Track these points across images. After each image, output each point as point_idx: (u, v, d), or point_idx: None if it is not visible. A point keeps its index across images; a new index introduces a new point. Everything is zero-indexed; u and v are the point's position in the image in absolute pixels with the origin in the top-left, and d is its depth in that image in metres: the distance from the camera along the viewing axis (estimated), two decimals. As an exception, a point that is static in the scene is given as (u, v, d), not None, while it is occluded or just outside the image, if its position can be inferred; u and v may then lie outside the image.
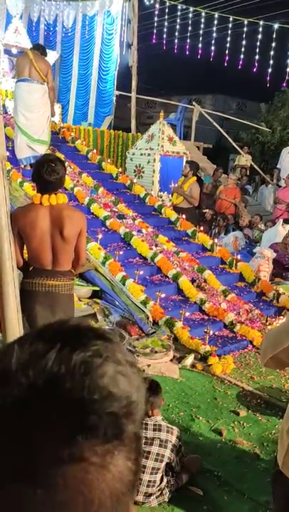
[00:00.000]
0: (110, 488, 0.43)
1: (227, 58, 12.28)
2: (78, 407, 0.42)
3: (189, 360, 4.61)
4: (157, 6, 11.66)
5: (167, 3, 11.67)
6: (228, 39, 11.99)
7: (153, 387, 2.81)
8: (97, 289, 5.55)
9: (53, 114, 7.05)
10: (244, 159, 14.33)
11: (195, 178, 8.01)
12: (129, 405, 0.45)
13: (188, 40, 12.41)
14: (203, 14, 11.82)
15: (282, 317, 5.89)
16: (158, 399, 2.85)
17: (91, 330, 0.49)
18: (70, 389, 0.43)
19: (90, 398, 0.43)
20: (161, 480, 2.75)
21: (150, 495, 2.71)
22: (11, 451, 0.42)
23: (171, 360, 4.55)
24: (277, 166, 12.31)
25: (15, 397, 0.43)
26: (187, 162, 8.17)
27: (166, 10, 11.93)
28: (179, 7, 11.80)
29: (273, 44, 11.45)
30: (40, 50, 6.81)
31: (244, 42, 11.81)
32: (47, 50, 10.18)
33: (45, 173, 2.99)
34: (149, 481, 2.69)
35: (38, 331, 0.49)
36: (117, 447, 0.44)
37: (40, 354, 0.45)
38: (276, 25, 11.20)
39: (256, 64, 11.90)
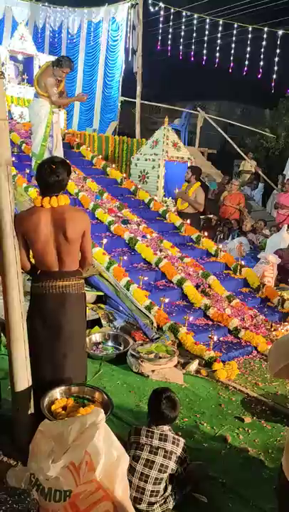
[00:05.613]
0: None
1: (231, 64, 12.32)
2: None
3: (193, 365, 4.60)
4: (162, 12, 11.73)
5: (172, 10, 11.73)
6: (233, 45, 12.05)
7: (174, 403, 2.78)
8: (101, 294, 5.55)
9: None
10: (249, 165, 14.34)
11: (199, 183, 8.00)
12: None
13: (192, 47, 12.46)
14: (207, 21, 11.88)
15: (286, 323, 5.86)
16: (177, 414, 2.82)
17: None
18: None
19: None
20: (165, 489, 2.73)
21: (154, 503, 2.69)
22: None
23: (175, 366, 4.53)
24: (283, 172, 12.30)
25: None
26: (189, 168, 8.17)
27: (171, 16, 12.02)
28: (184, 14, 11.86)
29: (278, 50, 11.49)
30: (54, 62, 6.46)
31: (248, 48, 11.87)
32: (50, 56, 10.30)
33: (44, 174, 3.00)
34: (152, 491, 2.67)
35: None
36: None
37: None
38: (280, 32, 11.23)
39: (261, 70, 11.95)
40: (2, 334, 4.25)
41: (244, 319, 5.60)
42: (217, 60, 12.43)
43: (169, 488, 2.75)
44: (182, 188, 7.98)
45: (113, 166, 8.90)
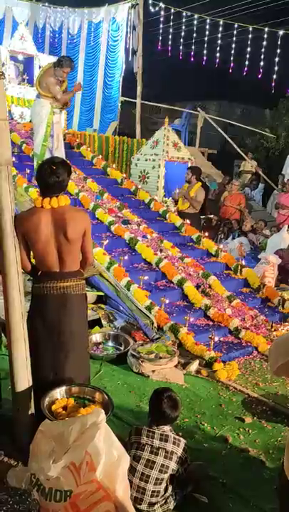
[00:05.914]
0: None
1: (232, 64, 12.32)
2: None
3: (194, 366, 4.59)
4: (162, 12, 11.73)
5: (172, 10, 11.74)
6: (233, 45, 12.05)
7: (175, 403, 2.78)
8: (101, 294, 5.55)
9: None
10: (249, 165, 14.34)
11: (200, 183, 8.01)
12: None
13: (193, 47, 12.47)
14: (208, 21, 11.88)
15: (287, 323, 5.86)
16: (178, 414, 2.83)
17: None
18: None
19: None
20: (166, 490, 2.73)
21: (154, 504, 2.69)
22: None
23: (175, 366, 4.53)
24: (282, 172, 12.30)
25: None
26: (189, 168, 8.17)
27: (172, 17, 12.02)
28: (184, 14, 11.87)
29: (278, 50, 11.49)
30: (55, 62, 6.50)
31: (249, 48, 11.87)
32: (50, 56, 10.30)
33: (44, 174, 3.00)
34: (153, 491, 2.66)
35: None
36: None
37: None
38: (281, 32, 11.23)
39: (261, 70, 11.95)
40: (2, 334, 4.25)
41: (244, 319, 5.60)
42: (217, 60, 12.43)
43: (170, 488, 2.74)
44: (183, 188, 7.98)
45: (113, 166, 8.90)
